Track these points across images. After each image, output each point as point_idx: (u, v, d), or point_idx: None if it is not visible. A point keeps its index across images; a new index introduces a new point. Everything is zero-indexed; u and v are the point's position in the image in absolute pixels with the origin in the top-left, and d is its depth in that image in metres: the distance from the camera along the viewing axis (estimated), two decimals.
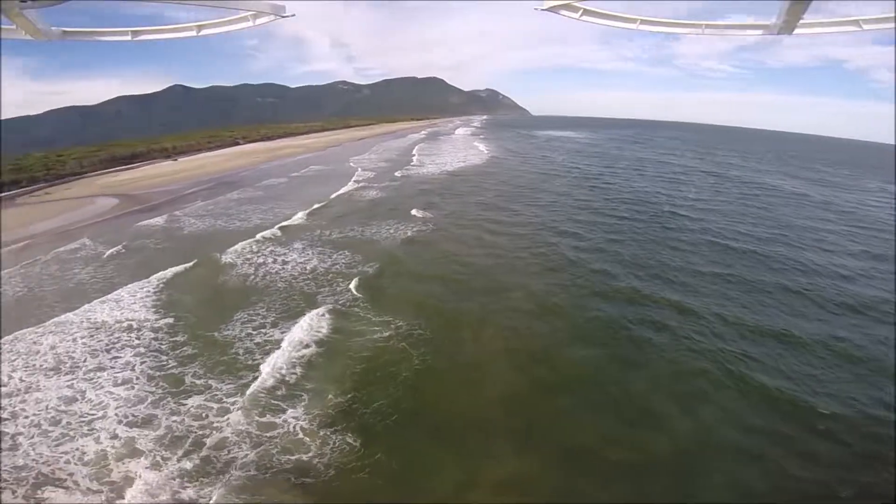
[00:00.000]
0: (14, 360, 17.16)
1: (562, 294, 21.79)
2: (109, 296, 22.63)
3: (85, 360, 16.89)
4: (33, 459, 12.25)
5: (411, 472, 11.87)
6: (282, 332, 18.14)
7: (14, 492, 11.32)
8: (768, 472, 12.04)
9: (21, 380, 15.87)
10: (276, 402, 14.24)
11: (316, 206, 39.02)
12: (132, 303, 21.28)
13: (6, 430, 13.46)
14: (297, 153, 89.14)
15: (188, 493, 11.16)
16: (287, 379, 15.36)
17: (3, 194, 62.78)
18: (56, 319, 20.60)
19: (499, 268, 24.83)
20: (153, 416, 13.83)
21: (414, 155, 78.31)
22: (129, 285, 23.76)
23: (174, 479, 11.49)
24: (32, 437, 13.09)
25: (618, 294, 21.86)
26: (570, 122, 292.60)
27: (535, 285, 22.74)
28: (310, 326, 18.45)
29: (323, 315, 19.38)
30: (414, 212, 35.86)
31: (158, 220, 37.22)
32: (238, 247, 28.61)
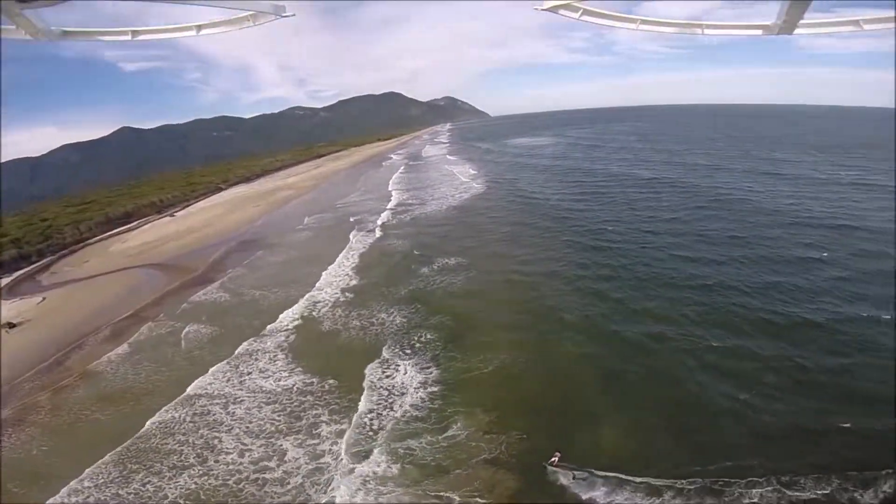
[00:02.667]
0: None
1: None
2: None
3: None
4: None
5: None
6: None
7: None
8: None
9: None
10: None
11: (341, 277, 41.04)
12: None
13: None
14: (288, 198, 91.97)
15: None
16: None
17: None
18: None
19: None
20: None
21: (395, 191, 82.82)
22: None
23: None
24: None
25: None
26: (528, 120, 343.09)
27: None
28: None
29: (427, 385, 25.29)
30: (448, 260, 41.29)
31: (220, 293, 40.99)
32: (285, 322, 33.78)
